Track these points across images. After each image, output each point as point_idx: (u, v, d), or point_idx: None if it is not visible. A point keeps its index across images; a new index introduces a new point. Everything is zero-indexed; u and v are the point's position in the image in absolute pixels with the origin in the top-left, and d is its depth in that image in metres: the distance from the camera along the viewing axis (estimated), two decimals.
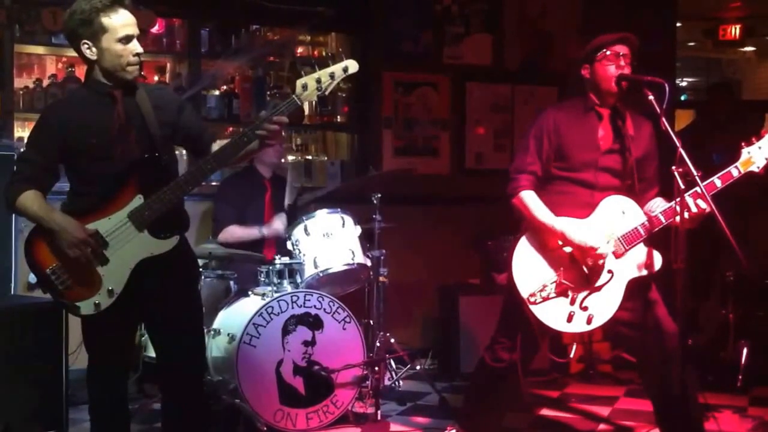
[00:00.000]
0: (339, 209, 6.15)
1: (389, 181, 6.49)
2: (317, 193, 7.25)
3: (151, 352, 6.10)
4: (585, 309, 4.61)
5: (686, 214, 4.39)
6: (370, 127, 8.11)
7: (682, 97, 10.59)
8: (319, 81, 3.99)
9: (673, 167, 4.36)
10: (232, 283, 6.24)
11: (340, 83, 7.83)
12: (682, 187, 4.34)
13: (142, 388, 6.26)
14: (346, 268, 6.02)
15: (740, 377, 6.72)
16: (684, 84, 11.15)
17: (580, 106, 4.87)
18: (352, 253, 6.01)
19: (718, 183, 4.58)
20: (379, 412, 5.82)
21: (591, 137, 4.80)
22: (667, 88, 4.48)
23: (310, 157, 8.19)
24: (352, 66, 4.05)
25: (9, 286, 5.70)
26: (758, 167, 4.63)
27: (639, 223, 4.67)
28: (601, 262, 4.59)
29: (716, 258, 7.47)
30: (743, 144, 4.66)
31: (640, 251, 4.68)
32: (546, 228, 4.65)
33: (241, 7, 7.55)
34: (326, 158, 8.27)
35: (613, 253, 4.63)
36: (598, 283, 4.61)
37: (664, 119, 4.44)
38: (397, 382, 6.61)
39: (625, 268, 4.66)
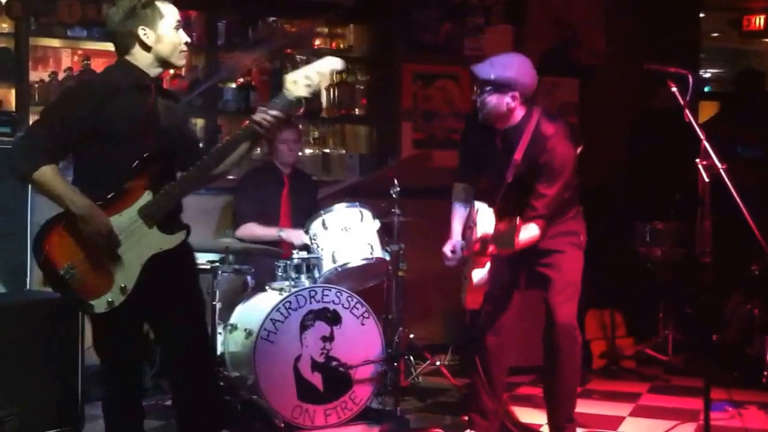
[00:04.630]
0: (357, 203, 6.10)
1: (408, 174, 6.42)
2: (335, 187, 7.19)
3: None
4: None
5: None
6: (389, 119, 8.05)
7: (706, 89, 10.48)
8: (308, 77, 4.07)
9: (698, 160, 4.28)
10: (249, 278, 6.20)
11: (358, 75, 7.89)
12: (707, 180, 4.25)
13: (158, 384, 6.21)
14: (364, 262, 5.96)
15: (766, 373, 6.61)
16: (708, 75, 11.04)
17: None
18: (371, 247, 5.95)
19: None
20: (398, 408, 5.76)
21: None
22: (691, 80, 4.41)
23: (328, 151, 8.12)
24: (335, 63, 4.13)
25: (24, 281, 5.66)
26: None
27: None
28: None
29: (741, 252, 7.36)
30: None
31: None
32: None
33: None
34: (344, 151, 8.20)
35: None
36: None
37: (687, 111, 4.37)
38: (416, 378, 6.54)
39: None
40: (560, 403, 5.19)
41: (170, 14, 4.01)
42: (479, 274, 4.74)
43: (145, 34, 3.96)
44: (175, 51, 4.03)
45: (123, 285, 3.92)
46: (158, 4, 3.98)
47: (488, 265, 4.76)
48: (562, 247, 5.03)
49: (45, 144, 3.87)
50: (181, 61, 4.11)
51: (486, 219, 4.74)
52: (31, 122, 6.62)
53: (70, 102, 4.00)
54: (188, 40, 4.09)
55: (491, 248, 4.59)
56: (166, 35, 3.99)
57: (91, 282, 3.91)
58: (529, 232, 4.75)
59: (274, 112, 4.07)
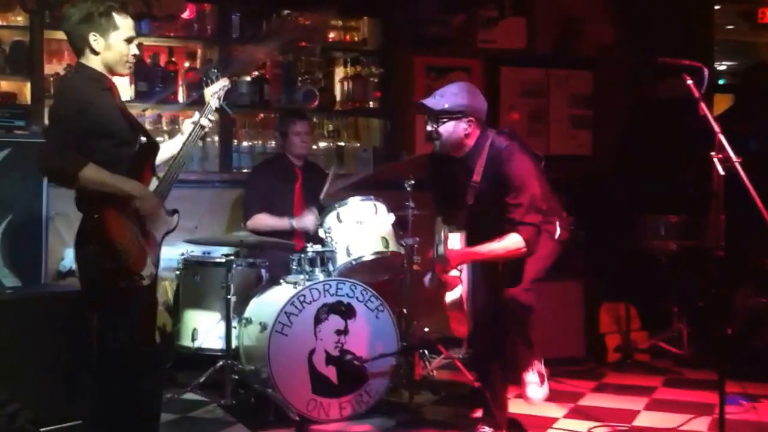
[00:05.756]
0: (372, 196, 6.10)
1: (422, 167, 6.39)
2: (349, 180, 7.19)
3: (184, 342, 6.09)
4: None
5: None
6: (403, 112, 8.03)
7: (720, 81, 10.44)
8: (217, 92, 4.72)
9: (712, 153, 4.26)
10: (263, 271, 6.22)
11: (372, 69, 7.89)
12: (722, 173, 4.23)
13: (173, 378, 6.21)
14: (379, 256, 5.97)
15: None
16: (722, 68, 10.99)
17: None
18: (385, 240, 5.96)
19: None
20: (413, 402, 5.76)
21: None
22: (705, 73, 4.39)
23: (342, 144, 8.12)
24: (227, 82, 4.81)
25: (40, 275, 5.67)
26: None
27: None
28: None
29: (752, 244, 7.33)
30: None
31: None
32: None
33: None
34: (358, 144, 8.19)
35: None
36: None
37: (702, 104, 4.35)
38: (431, 372, 6.54)
39: None
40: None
41: (125, 27, 4.28)
42: (450, 297, 4.94)
43: (95, 40, 4.22)
44: (120, 61, 4.30)
45: (154, 261, 4.25)
46: (115, 15, 4.25)
47: (460, 287, 4.91)
48: None
49: (74, 143, 4.07)
50: (125, 71, 4.40)
51: (453, 243, 4.92)
52: (45, 115, 6.68)
53: (69, 106, 4.17)
54: (137, 53, 4.40)
55: (437, 266, 4.87)
56: (114, 45, 4.26)
57: (135, 257, 4.15)
58: (507, 240, 4.85)
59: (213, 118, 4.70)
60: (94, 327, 4.27)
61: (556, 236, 5.19)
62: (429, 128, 5.04)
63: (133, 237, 4.15)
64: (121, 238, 4.09)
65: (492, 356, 5.19)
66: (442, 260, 4.84)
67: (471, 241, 5.00)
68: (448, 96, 5.00)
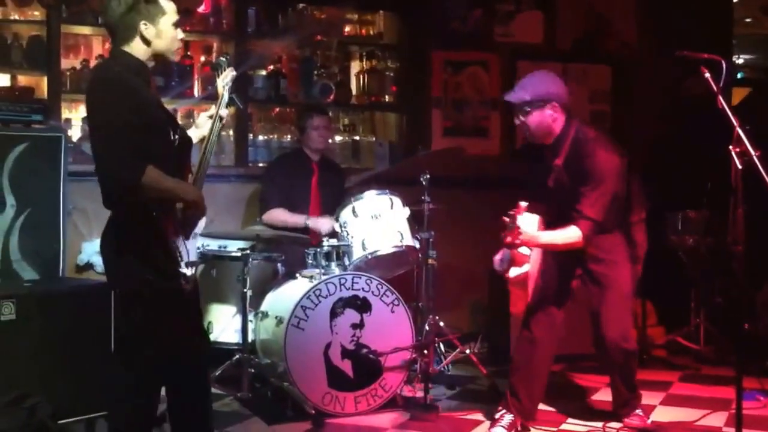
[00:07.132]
0: (387, 190, 6.09)
1: (438, 162, 6.40)
2: (365, 175, 7.18)
3: None
4: None
5: None
6: (419, 107, 8.03)
7: (739, 75, 10.41)
8: (226, 83, 4.48)
9: (731, 146, 4.24)
10: (279, 265, 6.23)
11: (388, 63, 7.87)
12: (740, 167, 4.21)
13: None
14: (394, 250, 5.97)
15: None
16: (741, 61, 10.95)
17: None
18: (401, 235, 5.95)
19: None
20: (428, 396, 5.76)
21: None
22: (724, 66, 4.37)
23: (357, 138, 8.11)
24: (233, 71, 4.53)
25: (58, 269, 5.68)
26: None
27: None
28: None
29: None
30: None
31: None
32: None
33: None
34: (374, 139, 8.19)
35: None
36: None
37: (721, 97, 4.33)
38: (446, 366, 6.54)
39: None
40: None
41: (171, 11, 4.12)
42: (515, 271, 5.16)
43: (146, 29, 4.04)
44: (172, 47, 4.17)
45: (190, 259, 4.15)
46: (161, 0, 4.08)
47: (526, 266, 4.93)
48: (616, 258, 5.16)
49: (134, 148, 3.89)
50: (176, 57, 4.35)
51: (526, 221, 4.85)
52: (62, 110, 6.69)
53: (122, 100, 3.97)
54: (183, 36, 4.26)
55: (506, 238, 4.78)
56: (165, 31, 4.09)
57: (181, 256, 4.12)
58: (567, 232, 4.90)
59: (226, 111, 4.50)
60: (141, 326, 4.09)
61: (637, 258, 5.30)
62: (517, 121, 5.11)
63: (175, 236, 4.08)
64: (174, 239, 4.06)
65: (545, 344, 5.21)
66: (511, 230, 4.77)
67: (548, 223, 5.10)
68: (527, 87, 5.06)
